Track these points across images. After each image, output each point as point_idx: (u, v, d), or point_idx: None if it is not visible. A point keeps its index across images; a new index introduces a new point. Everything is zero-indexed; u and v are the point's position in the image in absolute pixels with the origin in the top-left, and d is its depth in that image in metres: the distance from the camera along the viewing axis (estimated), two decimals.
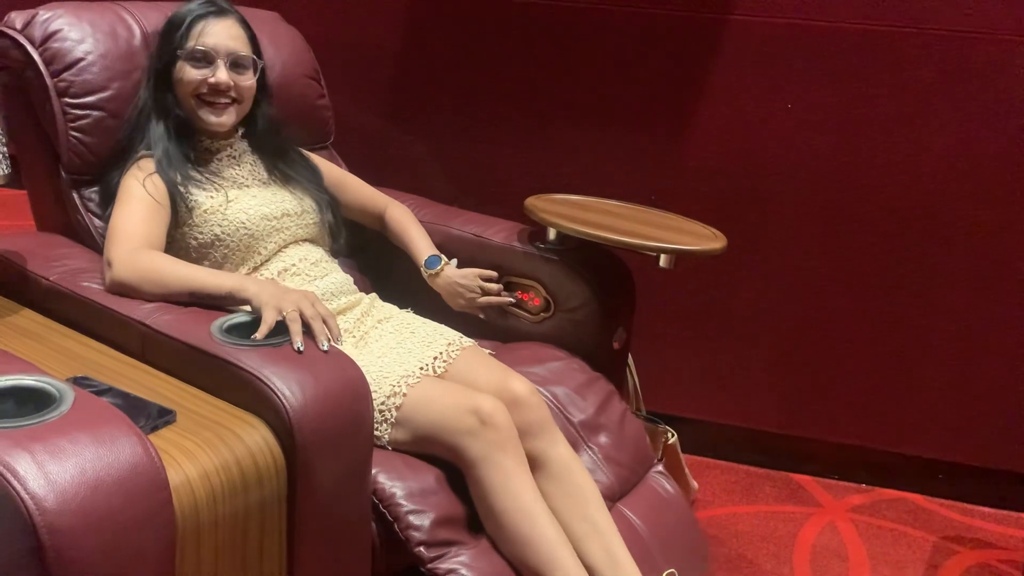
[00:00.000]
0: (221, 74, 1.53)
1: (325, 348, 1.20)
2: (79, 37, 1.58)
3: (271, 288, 1.27)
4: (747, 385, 2.28)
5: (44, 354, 1.26)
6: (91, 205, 1.60)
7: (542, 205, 1.80)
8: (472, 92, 2.30)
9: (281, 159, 1.69)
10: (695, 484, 2.01)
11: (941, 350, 2.14)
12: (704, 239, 1.68)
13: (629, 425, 1.69)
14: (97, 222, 1.59)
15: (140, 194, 1.46)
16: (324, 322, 1.23)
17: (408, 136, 2.35)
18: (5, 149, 1.39)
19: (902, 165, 2.04)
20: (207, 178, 1.56)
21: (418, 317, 1.67)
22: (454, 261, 1.75)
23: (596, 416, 1.65)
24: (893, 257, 2.10)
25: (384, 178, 1.98)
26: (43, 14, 1.58)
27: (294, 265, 1.58)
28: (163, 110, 1.55)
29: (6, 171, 1.34)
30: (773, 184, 2.13)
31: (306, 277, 1.58)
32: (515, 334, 1.81)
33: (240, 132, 1.65)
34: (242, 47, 1.57)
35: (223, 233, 1.52)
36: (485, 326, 1.81)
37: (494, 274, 1.76)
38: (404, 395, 1.41)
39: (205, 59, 1.53)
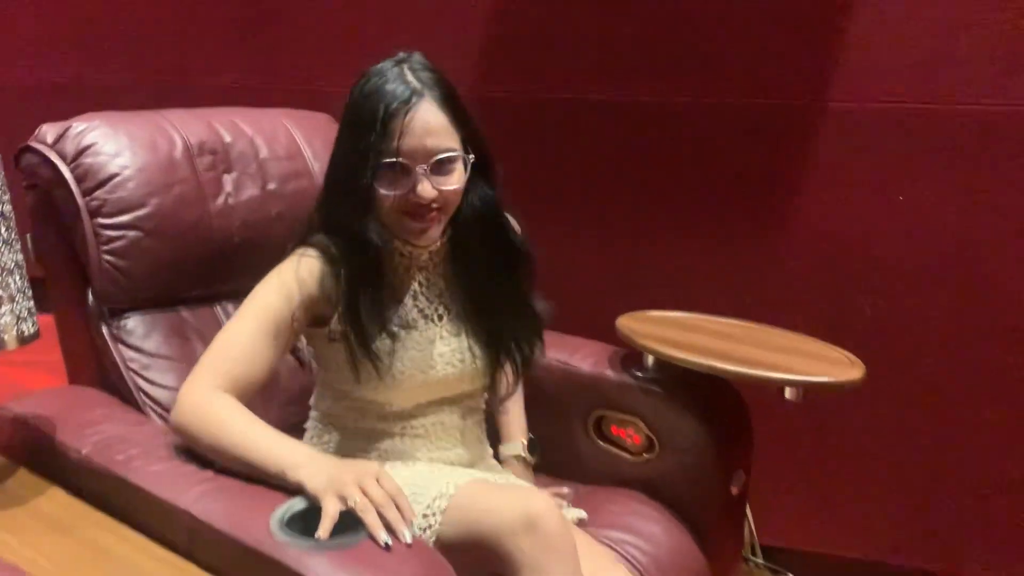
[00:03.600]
0: (423, 189, 1.18)
1: (408, 540, 0.95)
2: (114, 151, 1.40)
3: (327, 469, 1.03)
4: (869, 513, 1.97)
5: (71, 556, 1.04)
6: (129, 339, 1.40)
7: (637, 326, 1.55)
8: (546, 198, 2.09)
9: (488, 266, 1.31)
10: None
11: None
12: (838, 366, 1.41)
13: None
14: (133, 363, 1.38)
15: (275, 307, 1.18)
16: (395, 503, 0.99)
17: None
18: (31, 304, 1.15)
19: None
20: (387, 309, 1.25)
21: (506, 474, 1.43)
22: (533, 460, 1.50)
23: None
24: None
25: None
26: (77, 126, 1.41)
27: (427, 433, 1.33)
28: (350, 224, 1.22)
29: (31, 330, 1.12)
30: (888, 287, 1.86)
31: (433, 443, 1.33)
32: (612, 474, 1.54)
33: (444, 236, 1.30)
34: (446, 141, 1.20)
35: (371, 388, 1.26)
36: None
37: (567, 492, 1.48)
38: (451, 495, 1.17)
39: (402, 169, 1.19)
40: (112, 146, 1.40)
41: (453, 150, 1.20)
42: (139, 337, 1.41)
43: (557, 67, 2.03)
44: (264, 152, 1.60)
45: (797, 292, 1.92)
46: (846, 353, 1.46)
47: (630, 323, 1.57)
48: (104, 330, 1.40)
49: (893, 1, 1.76)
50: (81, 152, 1.38)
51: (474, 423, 1.40)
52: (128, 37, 2.55)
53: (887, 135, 1.82)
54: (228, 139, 1.55)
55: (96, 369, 1.42)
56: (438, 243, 1.30)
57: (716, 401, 1.50)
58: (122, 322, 1.41)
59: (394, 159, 1.18)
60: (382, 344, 1.23)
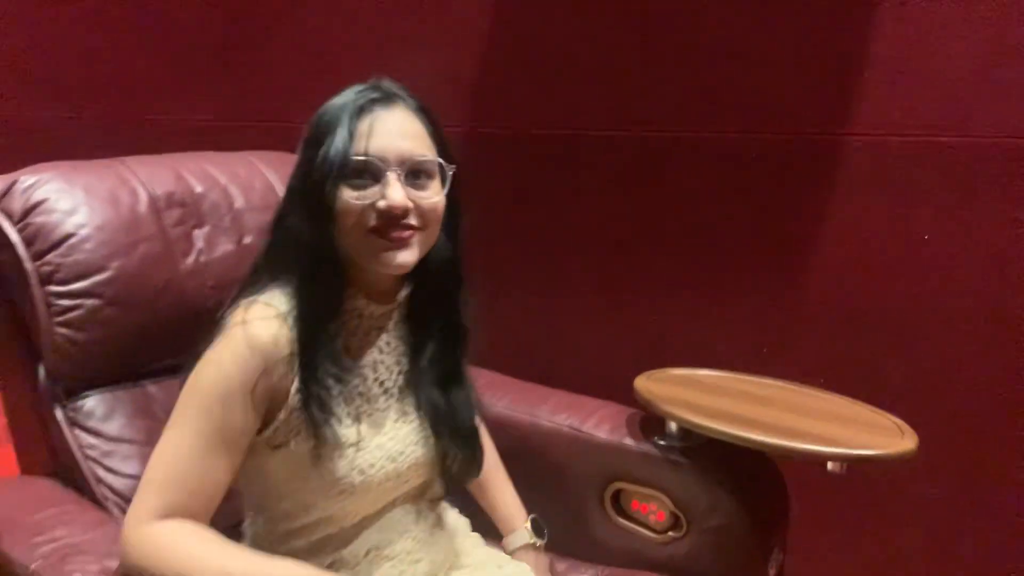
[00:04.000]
0: (394, 192, 1.00)
1: None
2: (69, 207, 1.24)
3: None
4: None
5: None
6: (86, 423, 1.23)
7: (657, 388, 1.41)
8: (552, 244, 1.94)
9: (442, 337, 1.15)
10: None
11: None
12: (886, 435, 1.27)
13: None
14: (91, 450, 1.21)
15: (218, 413, 0.96)
16: None
17: (478, 297, 2.00)
18: None
19: None
20: (348, 385, 1.07)
21: (510, 559, 1.26)
22: (542, 543, 1.32)
23: None
24: None
25: None
26: (25, 180, 1.24)
27: (391, 544, 1.12)
28: (311, 250, 1.03)
29: None
30: (917, 330, 1.73)
31: (403, 562, 1.13)
32: (633, 556, 1.39)
33: (406, 289, 1.13)
34: (421, 147, 1.04)
35: (336, 492, 1.05)
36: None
37: None
38: None
39: (370, 173, 1.02)
40: (67, 202, 1.24)
41: (431, 157, 1.04)
42: (98, 419, 1.24)
43: (557, 101, 1.90)
44: (239, 202, 1.44)
45: (821, 343, 1.78)
46: (894, 419, 1.32)
47: (649, 385, 1.42)
48: (58, 412, 1.23)
49: (924, 32, 1.64)
50: (31, 210, 1.22)
51: (438, 514, 1.21)
52: (85, 71, 2.38)
53: (910, 170, 1.69)
54: (199, 189, 1.40)
55: (49, 456, 1.25)
56: (396, 300, 1.12)
57: (750, 473, 1.35)
58: (79, 403, 1.24)
59: (362, 157, 1.00)
60: (347, 432, 1.04)
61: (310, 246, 1.02)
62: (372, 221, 1.01)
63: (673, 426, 1.37)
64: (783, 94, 1.73)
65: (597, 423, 1.45)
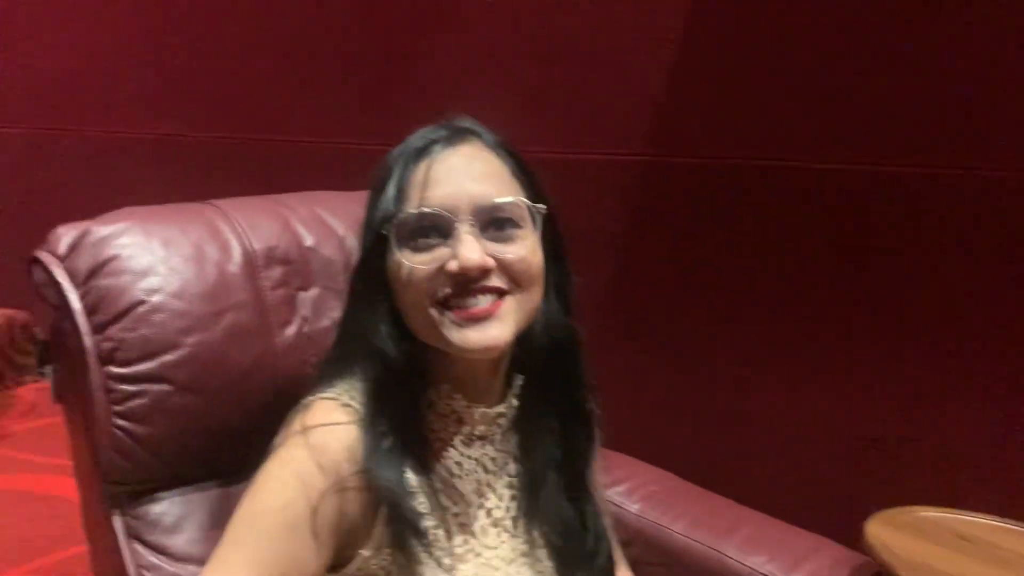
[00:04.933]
0: (467, 250, 0.79)
1: None
2: (143, 267, 1.00)
3: None
4: None
5: None
6: (149, 535, 0.99)
7: (902, 543, 1.01)
8: (735, 300, 1.57)
9: (564, 440, 0.91)
10: None
11: None
12: None
13: None
14: (151, 572, 0.97)
15: (283, 501, 0.77)
16: None
17: (635, 375, 1.64)
18: None
19: None
20: (448, 513, 0.84)
21: None
22: None
23: None
24: None
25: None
26: (97, 231, 1.02)
27: None
28: (373, 333, 0.84)
29: None
30: None
31: None
32: None
33: (518, 381, 0.90)
34: (500, 188, 0.83)
35: None
36: None
37: None
38: None
39: (435, 229, 0.81)
40: (141, 259, 1.01)
41: (514, 199, 0.82)
42: (164, 531, 1.00)
43: (754, 127, 1.51)
44: (357, 257, 1.16)
45: None
46: None
47: (889, 535, 1.02)
48: (116, 520, 0.99)
49: None
50: (96, 270, 0.99)
51: None
52: (230, 92, 2.24)
53: None
54: (308, 242, 1.13)
55: (111, 570, 1.02)
56: (495, 380, 0.87)
57: None
58: (141, 508, 1.00)
59: (417, 210, 0.81)
60: None
61: (368, 337, 0.83)
62: (443, 290, 0.80)
63: None
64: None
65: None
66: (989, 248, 1.37)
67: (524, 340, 0.86)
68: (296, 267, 1.11)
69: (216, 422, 1.01)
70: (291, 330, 1.08)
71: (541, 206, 0.84)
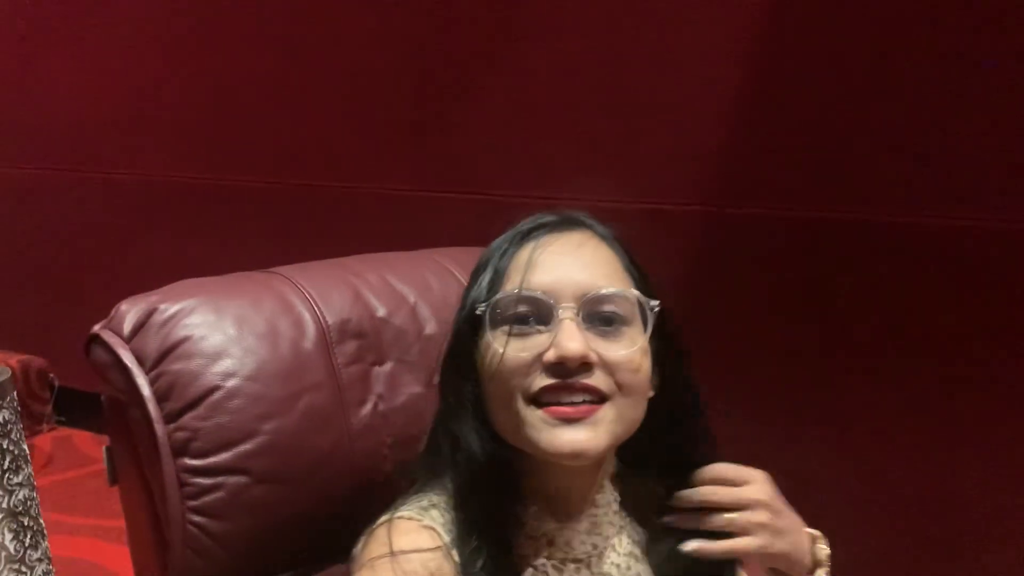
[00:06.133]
0: (567, 338, 0.72)
1: None
2: (217, 348, 0.94)
3: None
4: None
5: None
6: None
7: None
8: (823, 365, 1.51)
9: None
10: None
11: None
12: None
13: None
14: None
15: None
16: None
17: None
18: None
19: None
20: None
21: None
22: None
23: None
24: None
25: None
26: (166, 307, 0.95)
27: None
28: (459, 432, 0.79)
29: None
30: None
31: None
32: None
33: (611, 472, 0.83)
34: (608, 278, 0.77)
35: None
36: None
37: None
38: None
39: (534, 316, 0.75)
40: (214, 340, 0.94)
41: (622, 292, 0.77)
42: None
43: (832, 178, 1.46)
44: (430, 327, 1.10)
45: None
46: None
47: None
48: None
49: None
50: (167, 353, 0.93)
51: None
52: (273, 136, 2.18)
53: None
54: (381, 312, 1.07)
55: None
56: (594, 487, 0.80)
57: None
58: None
59: (517, 291, 0.75)
60: None
61: (454, 434, 0.78)
62: (537, 384, 0.73)
63: None
64: None
65: None
66: None
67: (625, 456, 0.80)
68: (370, 340, 1.05)
69: (293, 512, 0.95)
70: (366, 409, 1.01)
71: (654, 302, 0.78)
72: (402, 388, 1.05)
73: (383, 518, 0.80)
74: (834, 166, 1.45)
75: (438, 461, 0.82)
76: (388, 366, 1.05)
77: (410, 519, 0.78)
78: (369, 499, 0.98)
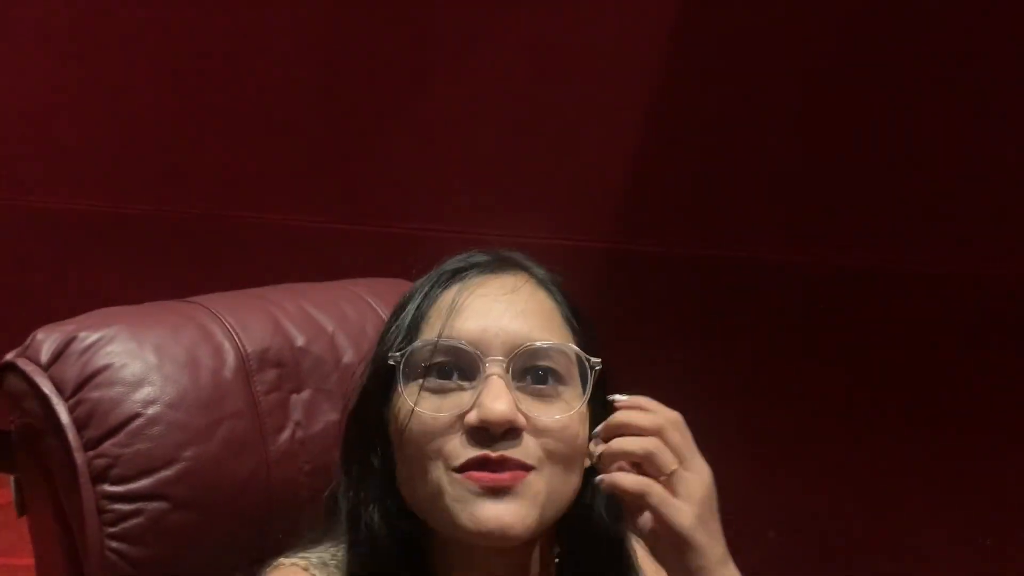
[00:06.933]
0: (494, 400, 0.63)
1: None
2: (138, 376, 0.95)
3: None
4: None
5: None
6: None
7: None
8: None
9: None
10: None
11: None
12: None
13: None
14: None
15: None
16: None
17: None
18: None
19: None
20: None
21: None
22: None
23: None
24: None
25: None
26: (85, 336, 0.96)
27: None
28: (361, 507, 0.72)
29: None
30: None
31: None
32: None
33: (551, 559, 0.73)
34: (545, 329, 0.69)
35: None
36: None
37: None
38: None
39: (457, 366, 0.67)
40: (134, 368, 0.96)
41: (560, 345, 0.68)
42: None
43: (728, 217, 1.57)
44: (348, 355, 1.13)
45: None
46: None
47: None
48: None
49: None
50: (87, 381, 0.93)
51: None
52: (177, 165, 2.17)
53: None
54: (299, 342, 1.10)
55: None
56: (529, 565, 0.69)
57: None
58: None
59: (439, 340, 0.66)
60: None
61: (357, 510, 0.71)
62: (459, 452, 0.64)
63: None
64: None
65: None
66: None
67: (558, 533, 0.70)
68: (289, 369, 1.07)
69: (213, 538, 0.96)
70: (284, 436, 1.04)
71: (596, 360, 0.68)
72: (320, 416, 1.08)
73: (277, 560, 0.76)
74: (722, 208, 1.56)
75: (335, 526, 0.75)
76: (306, 394, 1.08)
77: (296, 565, 0.72)
78: (286, 525, 1.02)
